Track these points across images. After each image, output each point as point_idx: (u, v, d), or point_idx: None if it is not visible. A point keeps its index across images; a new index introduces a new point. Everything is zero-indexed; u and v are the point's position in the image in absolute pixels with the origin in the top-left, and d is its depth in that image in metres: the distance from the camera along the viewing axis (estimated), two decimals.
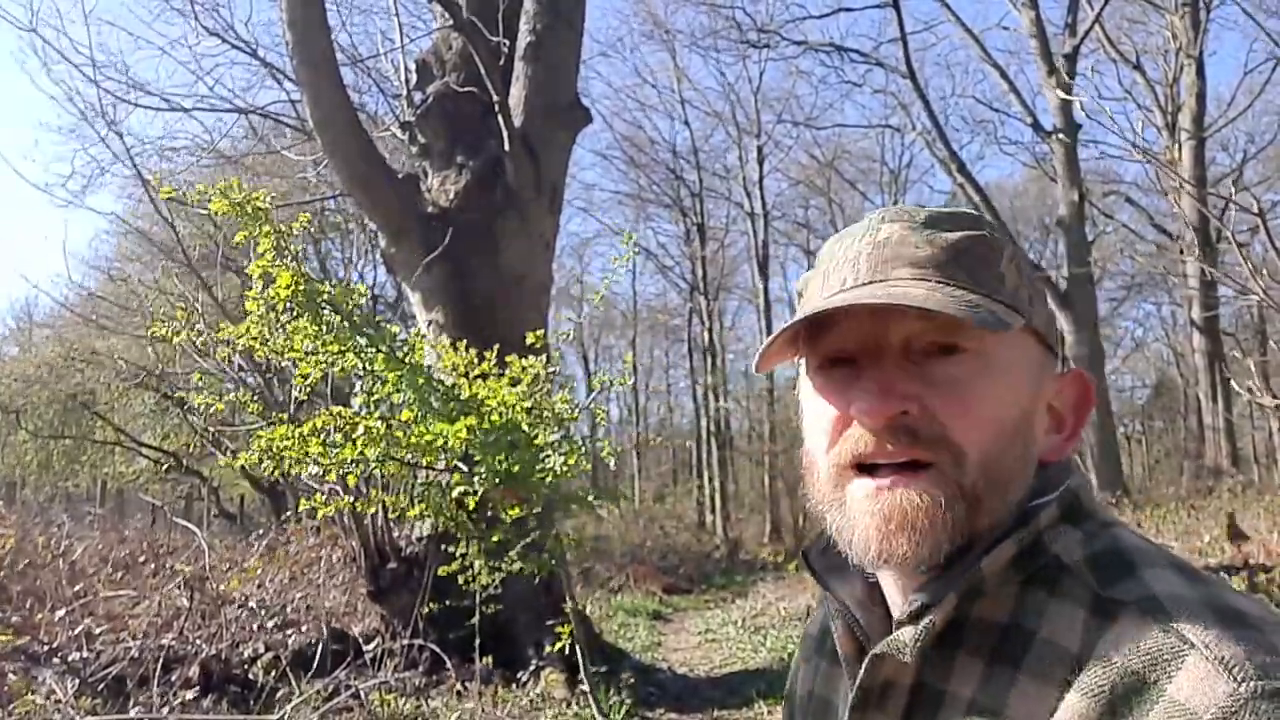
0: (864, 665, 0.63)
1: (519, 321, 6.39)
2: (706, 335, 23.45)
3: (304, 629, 5.65)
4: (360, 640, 5.45)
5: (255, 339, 3.37)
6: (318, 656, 5.04)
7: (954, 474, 0.59)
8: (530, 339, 3.98)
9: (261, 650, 5.22)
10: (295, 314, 3.26)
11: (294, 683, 4.74)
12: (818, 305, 0.62)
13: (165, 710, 4.20)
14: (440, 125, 6.71)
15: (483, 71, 5.94)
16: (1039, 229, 25.50)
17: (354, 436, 3.38)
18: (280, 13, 5.96)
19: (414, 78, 7.14)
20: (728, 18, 18.36)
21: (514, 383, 3.71)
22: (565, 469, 3.46)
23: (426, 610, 5.01)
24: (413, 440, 3.40)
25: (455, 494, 3.68)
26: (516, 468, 3.37)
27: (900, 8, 12.65)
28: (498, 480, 3.39)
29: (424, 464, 3.55)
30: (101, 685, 4.53)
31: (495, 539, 3.73)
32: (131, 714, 4.11)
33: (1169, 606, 0.53)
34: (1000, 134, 24.46)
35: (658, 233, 27.07)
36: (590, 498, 4.12)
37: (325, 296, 3.25)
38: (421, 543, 5.58)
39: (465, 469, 3.52)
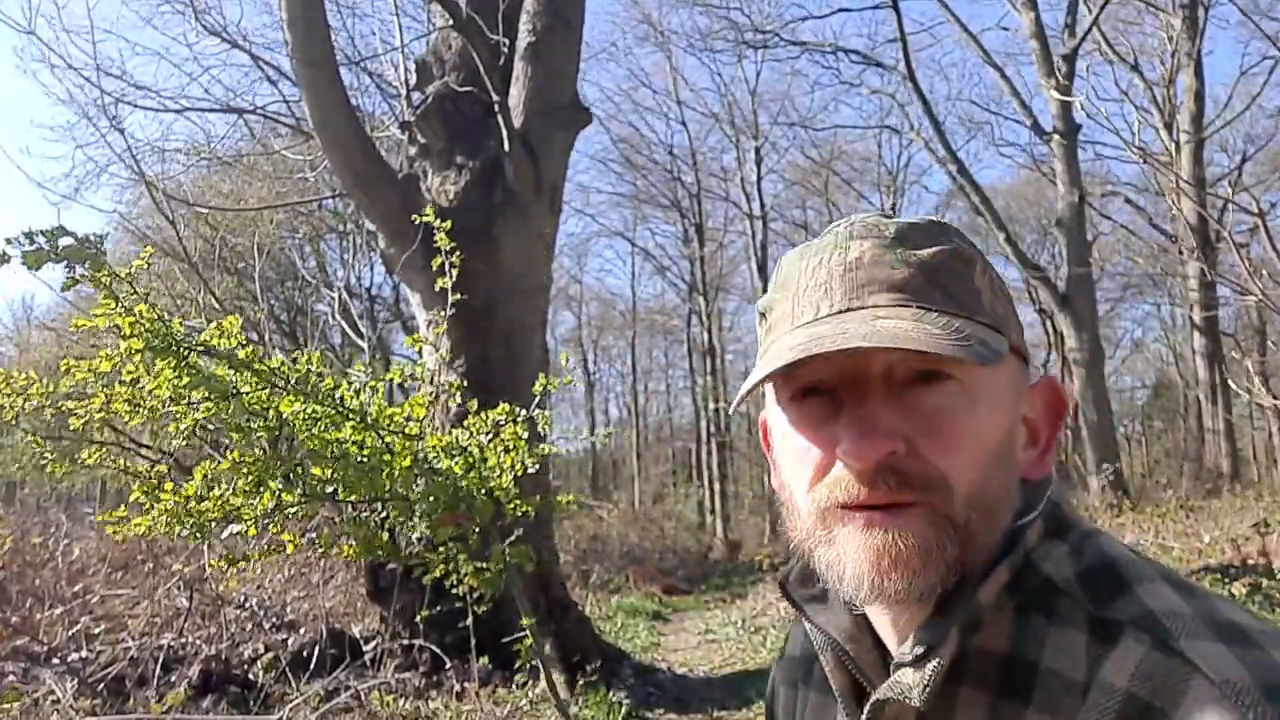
0: (865, 712, 0.62)
1: (518, 322, 6.41)
2: (706, 336, 23.50)
3: (303, 629, 5.65)
4: (360, 641, 5.45)
5: (124, 404, 2.97)
6: (317, 657, 5.04)
7: (945, 509, 0.57)
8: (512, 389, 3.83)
9: (261, 650, 5.22)
10: (152, 361, 2.86)
11: (294, 683, 4.74)
12: (799, 344, 0.58)
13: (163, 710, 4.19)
14: (440, 125, 6.71)
15: (483, 71, 5.94)
16: (1036, 230, 25.51)
17: (267, 482, 3.13)
18: (280, 13, 5.96)
19: (414, 78, 7.13)
20: (724, 18, 18.39)
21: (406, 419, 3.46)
22: (482, 493, 3.34)
23: (426, 611, 5.01)
24: (335, 475, 3.16)
25: (388, 525, 3.57)
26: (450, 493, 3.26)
27: (899, 8, 12.67)
28: (435, 507, 3.26)
29: (353, 500, 3.37)
30: (101, 685, 4.53)
31: (458, 554, 3.66)
32: (131, 715, 4.11)
33: (1169, 625, 0.53)
34: (997, 135, 24.49)
35: (656, 233, 27.16)
36: (525, 509, 3.64)
37: (184, 338, 2.85)
38: (421, 544, 5.57)
39: (403, 501, 3.38)
